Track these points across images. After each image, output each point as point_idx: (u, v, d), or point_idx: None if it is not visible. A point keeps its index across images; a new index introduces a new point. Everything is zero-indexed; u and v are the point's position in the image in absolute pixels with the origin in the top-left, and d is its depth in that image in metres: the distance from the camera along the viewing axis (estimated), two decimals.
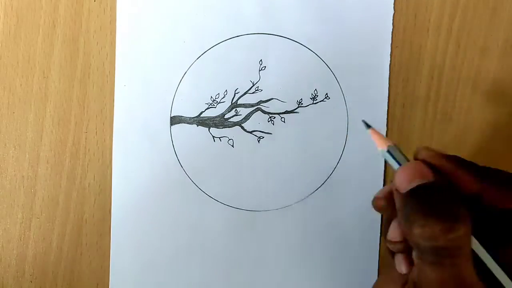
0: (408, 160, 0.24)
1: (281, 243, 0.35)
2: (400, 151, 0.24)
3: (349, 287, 0.35)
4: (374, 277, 0.35)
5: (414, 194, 0.22)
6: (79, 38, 0.34)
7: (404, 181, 0.22)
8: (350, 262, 0.35)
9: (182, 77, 0.34)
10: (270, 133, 0.35)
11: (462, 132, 0.36)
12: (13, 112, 0.34)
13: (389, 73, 0.35)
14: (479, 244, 0.22)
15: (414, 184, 0.22)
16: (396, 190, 0.23)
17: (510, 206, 0.22)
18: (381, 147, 0.24)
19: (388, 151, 0.24)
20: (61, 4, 0.34)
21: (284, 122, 0.35)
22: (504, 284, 0.21)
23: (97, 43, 0.34)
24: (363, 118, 0.26)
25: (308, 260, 0.35)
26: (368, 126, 0.25)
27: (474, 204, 0.23)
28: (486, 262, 0.22)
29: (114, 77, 0.34)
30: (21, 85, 0.34)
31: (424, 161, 0.23)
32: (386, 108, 0.35)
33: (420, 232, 0.21)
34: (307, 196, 0.35)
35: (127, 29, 0.34)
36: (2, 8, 0.34)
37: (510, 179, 0.23)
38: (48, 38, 0.34)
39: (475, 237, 0.22)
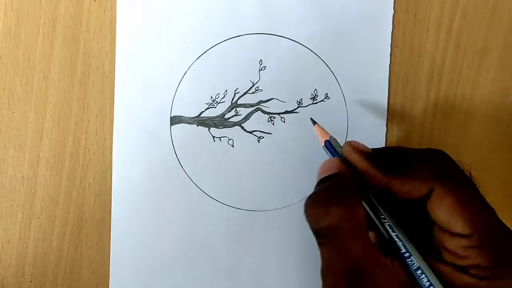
0: (339, 153, 0.27)
1: (281, 243, 0.35)
2: (337, 145, 0.28)
3: None
4: None
5: (315, 186, 0.26)
6: (79, 38, 0.34)
7: (318, 176, 0.26)
8: None
9: (182, 77, 0.34)
10: (270, 133, 0.35)
11: (462, 132, 0.36)
12: (13, 112, 0.34)
13: (389, 73, 0.35)
14: (385, 216, 0.25)
15: (320, 178, 0.26)
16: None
17: (412, 196, 0.25)
18: (321, 140, 0.29)
19: (326, 146, 0.28)
20: (61, 4, 0.34)
21: (284, 122, 0.35)
22: (406, 253, 0.24)
23: (97, 43, 0.34)
24: (311, 116, 0.32)
25: (308, 260, 0.35)
26: (314, 122, 0.30)
27: (387, 195, 0.25)
28: (392, 236, 0.25)
29: (114, 77, 0.34)
30: (21, 85, 0.34)
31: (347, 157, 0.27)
32: (386, 108, 0.35)
33: (308, 218, 0.24)
34: (307, 196, 0.35)
35: (127, 29, 0.34)
36: (2, 8, 0.34)
37: (414, 170, 0.25)
38: (48, 38, 0.34)
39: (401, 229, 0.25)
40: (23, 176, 0.34)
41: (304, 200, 0.25)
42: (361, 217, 0.24)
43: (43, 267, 0.35)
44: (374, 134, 0.35)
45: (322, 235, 0.24)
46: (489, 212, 0.24)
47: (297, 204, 0.35)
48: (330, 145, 0.28)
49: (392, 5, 0.35)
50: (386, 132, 0.35)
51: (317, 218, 0.24)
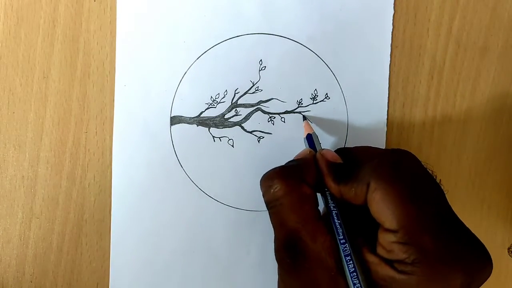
0: (314, 149, 0.31)
1: None
2: (311, 142, 0.32)
3: None
4: None
5: None
6: (79, 38, 0.34)
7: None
8: None
9: (182, 77, 0.34)
10: (270, 133, 0.35)
11: (462, 132, 0.36)
12: (13, 112, 0.34)
13: (389, 73, 0.35)
14: (331, 204, 0.28)
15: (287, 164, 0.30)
16: None
17: (361, 200, 0.26)
18: (304, 135, 0.32)
19: (306, 139, 0.32)
20: (61, 4, 0.34)
21: (284, 122, 0.35)
22: (337, 236, 0.27)
23: (97, 43, 0.34)
24: (312, 116, 0.35)
25: None
26: (304, 118, 0.34)
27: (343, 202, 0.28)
28: (331, 220, 0.27)
29: (114, 77, 0.34)
30: (21, 85, 0.34)
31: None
32: (386, 108, 0.35)
33: (261, 192, 0.29)
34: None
35: (127, 29, 0.34)
36: (2, 8, 0.34)
37: (357, 172, 0.27)
38: (48, 38, 0.34)
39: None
40: (23, 176, 0.34)
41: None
42: (304, 194, 0.27)
43: (43, 267, 0.35)
44: (374, 134, 0.35)
45: (268, 206, 0.28)
46: (420, 208, 0.25)
47: None
48: (310, 139, 0.32)
49: (392, 5, 0.35)
50: (386, 132, 0.35)
51: (265, 190, 0.28)
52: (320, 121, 0.35)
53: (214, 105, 0.35)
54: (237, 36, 0.35)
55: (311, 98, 0.35)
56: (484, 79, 0.36)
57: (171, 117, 0.35)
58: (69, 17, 0.34)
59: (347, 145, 0.35)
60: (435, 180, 0.27)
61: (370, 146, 0.30)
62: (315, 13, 0.35)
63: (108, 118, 0.34)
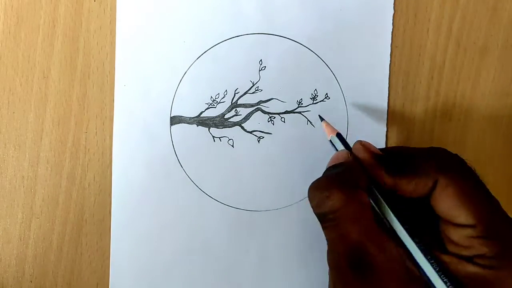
0: (347, 147, 0.29)
1: (281, 243, 0.35)
2: (342, 139, 0.29)
3: None
4: None
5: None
6: (79, 38, 0.34)
7: (327, 165, 0.28)
8: None
9: (182, 77, 0.34)
10: (270, 133, 0.35)
11: (462, 132, 0.36)
12: (13, 112, 0.34)
13: (389, 73, 0.35)
14: (387, 210, 0.26)
15: (327, 167, 0.28)
16: None
17: (419, 193, 0.25)
18: (329, 135, 0.30)
19: (334, 138, 0.30)
20: (61, 4, 0.34)
21: (284, 122, 0.35)
22: (405, 243, 0.25)
23: (97, 43, 0.34)
24: (312, 116, 0.34)
25: (308, 260, 0.35)
26: (322, 119, 0.32)
27: (395, 195, 0.26)
28: (392, 225, 0.26)
29: (114, 77, 0.34)
30: (21, 85, 0.34)
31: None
32: (386, 108, 0.35)
33: (311, 203, 0.26)
34: (307, 196, 0.35)
35: (127, 29, 0.34)
36: (2, 8, 0.34)
37: (418, 167, 0.26)
38: (48, 38, 0.34)
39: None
40: (23, 176, 0.34)
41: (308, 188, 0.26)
42: (363, 202, 0.25)
43: (43, 267, 0.35)
44: (374, 134, 0.35)
45: (324, 219, 0.25)
46: (493, 202, 0.25)
47: (297, 204, 0.35)
48: (340, 139, 0.29)
49: (392, 5, 0.35)
50: (386, 132, 0.35)
51: (319, 202, 0.25)
52: (320, 121, 0.35)
53: (214, 105, 0.35)
54: (237, 36, 0.35)
55: (311, 98, 0.35)
56: (484, 79, 0.36)
57: (171, 117, 0.35)
58: (69, 17, 0.34)
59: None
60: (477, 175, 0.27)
61: (406, 146, 0.29)
62: (315, 13, 0.35)
63: (108, 118, 0.34)
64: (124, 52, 0.34)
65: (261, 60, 0.35)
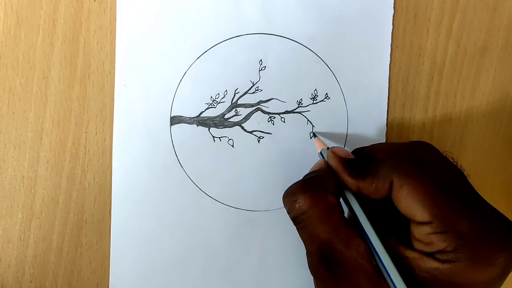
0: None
1: (281, 243, 0.35)
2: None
3: None
4: None
5: None
6: (79, 38, 0.34)
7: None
8: None
9: (182, 77, 0.34)
10: (270, 133, 0.35)
11: (462, 132, 0.36)
12: (13, 112, 0.34)
13: (389, 73, 0.35)
14: (356, 208, 0.27)
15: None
16: None
17: (381, 194, 0.26)
18: (318, 150, 0.32)
19: (321, 153, 0.31)
20: (61, 4, 0.34)
21: (284, 122, 0.35)
22: (368, 239, 0.26)
23: (97, 43, 0.34)
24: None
25: None
26: (315, 135, 0.35)
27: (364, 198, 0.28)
28: (360, 223, 0.27)
29: (114, 77, 0.34)
30: (21, 85, 0.34)
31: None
32: (386, 108, 0.35)
33: (285, 208, 0.28)
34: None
35: (127, 29, 0.34)
36: (2, 8, 0.34)
37: (376, 168, 0.27)
38: (48, 38, 0.34)
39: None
40: (23, 176, 0.34)
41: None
42: (330, 203, 0.27)
43: (43, 267, 0.35)
44: (374, 134, 0.35)
45: (296, 222, 0.28)
46: (452, 196, 0.25)
47: None
48: (326, 153, 0.31)
49: (392, 5, 0.35)
50: (386, 132, 0.35)
51: (290, 206, 0.28)
52: (320, 121, 0.35)
53: (214, 105, 0.35)
54: (237, 36, 0.35)
55: (311, 98, 0.35)
56: (484, 79, 0.36)
57: (171, 117, 0.35)
58: (69, 17, 0.34)
59: (347, 145, 0.35)
60: (456, 166, 0.27)
61: (385, 142, 0.31)
62: (315, 13, 0.35)
63: (108, 118, 0.34)
64: (124, 52, 0.34)
65: (261, 60, 0.35)
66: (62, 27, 0.34)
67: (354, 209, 0.27)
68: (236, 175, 0.35)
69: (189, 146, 0.35)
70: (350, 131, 0.35)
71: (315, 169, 0.30)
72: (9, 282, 0.35)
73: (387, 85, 0.35)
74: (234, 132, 0.35)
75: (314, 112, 0.35)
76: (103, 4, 0.34)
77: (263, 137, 0.35)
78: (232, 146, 0.35)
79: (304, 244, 0.27)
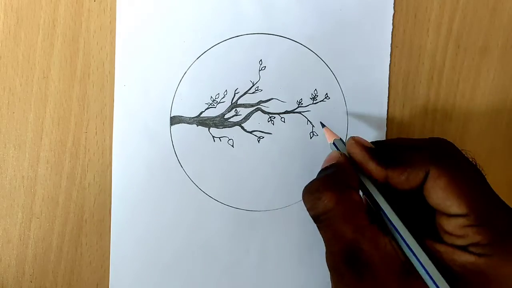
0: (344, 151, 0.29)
1: (281, 243, 0.35)
2: (343, 143, 0.30)
3: None
4: None
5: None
6: (79, 38, 0.34)
7: (321, 167, 0.29)
8: None
9: (182, 77, 0.34)
10: (270, 133, 0.35)
11: (462, 132, 0.36)
12: (13, 112, 0.34)
13: (389, 73, 0.35)
14: (383, 203, 0.26)
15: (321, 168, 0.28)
16: None
17: (411, 185, 0.26)
18: (329, 140, 0.31)
19: (334, 143, 0.30)
20: (61, 4, 0.34)
21: (284, 122, 0.35)
22: (397, 236, 0.25)
23: (97, 43, 0.34)
24: (322, 120, 0.34)
25: (308, 260, 0.35)
26: (323, 125, 0.33)
27: (390, 188, 0.27)
28: (385, 220, 0.26)
29: (114, 77, 0.34)
30: (21, 85, 0.34)
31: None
32: (386, 108, 0.35)
33: (305, 205, 0.27)
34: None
35: (127, 29, 0.34)
36: (2, 8, 0.34)
37: (409, 158, 0.26)
38: (48, 38, 0.34)
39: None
40: (23, 176, 0.34)
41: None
42: (355, 201, 0.25)
43: (43, 267, 0.35)
44: (374, 134, 0.35)
45: (318, 220, 0.26)
46: (486, 190, 0.25)
47: (297, 204, 0.35)
48: (339, 143, 0.30)
49: (392, 5, 0.35)
50: (386, 132, 0.35)
51: (312, 204, 0.26)
52: (320, 121, 0.35)
53: (214, 105, 0.35)
54: (237, 36, 0.35)
55: (311, 98, 0.35)
56: (484, 79, 0.36)
57: (171, 117, 0.35)
58: (69, 17, 0.34)
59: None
60: (476, 165, 0.27)
61: (402, 137, 0.30)
62: (315, 13, 0.35)
63: (108, 118, 0.34)
64: (124, 52, 0.34)
65: (261, 60, 0.35)
66: (62, 27, 0.34)
67: (381, 205, 0.26)
68: (236, 175, 0.35)
69: (189, 146, 0.35)
70: (350, 131, 0.35)
71: (331, 163, 0.28)
72: (9, 282, 0.35)
73: (387, 85, 0.35)
74: (234, 132, 0.35)
75: (314, 112, 0.35)
76: (103, 4, 0.34)
77: (263, 137, 0.35)
78: (232, 146, 0.35)
79: (326, 243, 0.26)
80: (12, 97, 0.34)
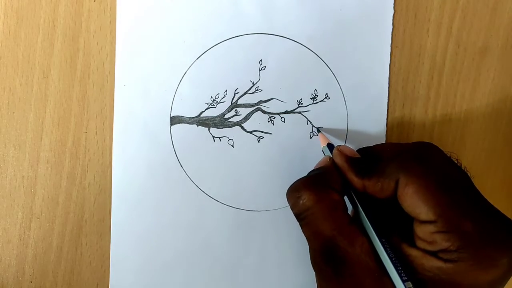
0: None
1: (281, 243, 0.35)
2: (331, 149, 0.31)
3: None
4: None
5: None
6: (79, 38, 0.34)
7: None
8: None
9: (182, 77, 0.34)
10: (270, 133, 0.35)
11: (462, 132, 0.36)
12: (13, 112, 0.34)
13: (389, 73, 0.35)
14: (358, 207, 0.28)
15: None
16: None
17: (387, 194, 0.27)
18: (322, 145, 0.33)
19: (327, 147, 0.32)
20: (61, 4, 0.34)
21: (284, 122, 0.35)
22: (370, 237, 0.26)
23: (97, 43, 0.34)
24: (321, 126, 0.35)
25: (308, 260, 0.35)
26: (318, 131, 0.35)
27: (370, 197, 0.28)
28: (362, 221, 0.27)
29: (114, 77, 0.34)
30: (21, 85, 0.34)
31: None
32: (386, 108, 0.35)
33: (289, 203, 0.28)
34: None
35: (127, 29, 0.34)
36: (2, 8, 0.34)
37: (382, 167, 0.27)
38: (48, 38, 0.34)
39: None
40: (23, 176, 0.34)
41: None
42: (334, 201, 0.27)
43: (43, 267, 0.35)
44: (374, 134, 0.35)
45: (299, 218, 0.28)
46: (456, 196, 0.25)
47: None
48: (331, 148, 0.31)
49: (392, 5, 0.35)
50: (386, 132, 0.35)
51: (294, 202, 0.28)
52: (320, 121, 0.35)
53: (214, 105, 0.35)
54: (237, 36, 0.35)
55: (311, 98, 0.35)
56: (484, 79, 0.36)
57: (171, 117, 0.35)
58: (69, 17, 0.34)
59: (347, 145, 0.35)
60: (460, 167, 0.27)
61: (389, 142, 0.31)
62: (315, 13, 0.35)
63: (108, 118, 0.34)
64: (124, 52, 0.34)
65: (261, 60, 0.35)
66: (62, 27, 0.34)
67: (358, 207, 0.27)
68: (236, 175, 0.35)
69: (189, 146, 0.35)
70: (350, 131, 0.35)
71: (320, 166, 0.30)
72: (9, 282, 0.35)
73: (387, 85, 0.35)
74: (234, 132, 0.35)
75: (314, 112, 0.35)
76: (103, 4, 0.34)
77: (263, 137, 0.35)
78: (232, 146, 0.35)
79: (307, 240, 0.27)
80: (12, 97, 0.34)
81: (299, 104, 0.35)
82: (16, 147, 0.34)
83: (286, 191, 0.28)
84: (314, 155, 0.35)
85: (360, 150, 0.31)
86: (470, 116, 0.36)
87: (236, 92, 0.35)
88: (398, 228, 0.27)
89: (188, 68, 0.34)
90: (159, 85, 0.34)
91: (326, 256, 0.26)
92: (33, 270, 0.35)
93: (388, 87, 0.35)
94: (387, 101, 0.35)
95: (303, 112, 0.35)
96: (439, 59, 0.36)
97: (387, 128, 0.35)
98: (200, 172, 0.35)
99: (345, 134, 0.35)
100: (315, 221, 0.26)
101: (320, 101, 0.35)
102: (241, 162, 0.35)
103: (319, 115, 0.35)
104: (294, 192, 0.28)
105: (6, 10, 0.34)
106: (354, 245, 0.26)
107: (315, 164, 0.30)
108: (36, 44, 0.34)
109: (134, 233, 0.34)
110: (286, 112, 0.35)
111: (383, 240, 0.26)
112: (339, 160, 0.29)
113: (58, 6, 0.34)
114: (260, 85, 0.35)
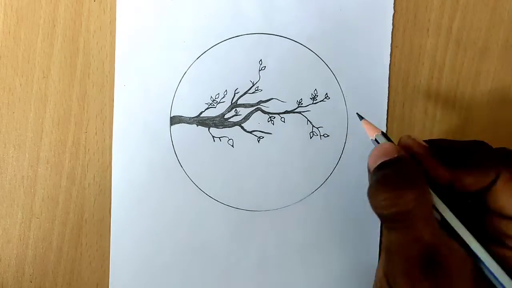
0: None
1: (281, 243, 0.35)
2: (387, 138, 0.26)
3: (349, 286, 0.35)
4: (374, 276, 0.35)
5: (376, 171, 0.25)
6: (79, 38, 0.34)
7: (371, 162, 0.25)
8: (350, 262, 0.35)
9: (182, 77, 0.34)
10: (270, 133, 0.35)
11: (462, 133, 0.36)
12: (13, 112, 0.34)
13: (389, 73, 0.35)
14: (443, 206, 0.24)
15: (378, 162, 0.25)
16: (369, 171, 0.26)
17: (476, 187, 0.24)
18: (371, 136, 0.27)
19: (376, 139, 0.27)
20: (61, 4, 0.34)
21: (284, 122, 0.35)
22: (468, 242, 0.24)
23: (97, 43, 0.34)
24: (358, 111, 0.30)
25: (308, 260, 0.35)
26: (361, 117, 0.29)
27: (450, 190, 0.25)
28: (451, 223, 0.24)
29: (114, 77, 0.34)
30: (21, 85, 0.34)
31: (405, 149, 0.26)
32: (386, 108, 0.35)
33: (377, 204, 0.23)
34: (307, 196, 0.35)
35: (127, 29, 0.34)
36: (2, 8, 0.34)
37: (479, 159, 0.25)
38: (48, 38, 0.34)
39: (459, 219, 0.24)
40: (23, 176, 0.34)
41: (367, 190, 0.24)
42: (431, 202, 0.24)
43: (43, 267, 0.35)
44: None
45: (395, 221, 0.23)
46: None
47: (297, 204, 0.35)
48: (386, 138, 0.27)
49: (392, 5, 0.35)
50: (386, 132, 0.35)
51: (390, 202, 0.23)
52: (320, 121, 0.35)
53: (214, 105, 0.35)
54: (237, 36, 0.35)
55: (311, 98, 0.35)
56: (484, 79, 0.36)
57: (171, 117, 0.35)
58: (69, 17, 0.34)
59: (347, 145, 0.35)
60: None
61: (444, 139, 0.28)
62: (315, 13, 0.35)
63: (108, 118, 0.34)
64: (124, 52, 0.34)
65: (261, 60, 0.35)
66: (62, 27, 0.34)
67: (445, 208, 0.24)
68: (236, 175, 0.35)
69: (189, 146, 0.35)
70: (350, 131, 0.35)
71: (392, 157, 0.25)
72: (9, 282, 0.35)
73: (387, 85, 0.35)
74: (234, 132, 0.35)
75: (314, 112, 0.35)
76: (103, 4, 0.34)
77: (263, 137, 0.35)
78: (232, 146, 0.35)
79: (398, 247, 0.23)
80: (12, 97, 0.34)
81: (299, 104, 0.35)
82: (16, 147, 0.34)
83: (367, 190, 0.24)
84: (314, 155, 0.35)
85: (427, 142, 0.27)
86: (470, 116, 0.36)
87: (236, 92, 0.35)
88: (474, 228, 0.25)
89: (188, 68, 0.34)
90: (159, 85, 0.34)
91: (425, 264, 0.23)
92: (33, 270, 0.35)
93: (388, 87, 0.35)
94: (387, 101, 0.35)
95: (303, 112, 0.35)
96: (439, 59, 0.36)
97: (387, 128, 0.35)
98: (200, 172, 0.35)
99: (345, 134, 0.35)
100: (416, 225, 0.23)
101: (320, 101, 0.35)
102: (241, 162, 0.35)
103: (319, 115, 0.35)
104: (391, 190, 0.23)
105: (6, 10, 0.34)
106: (452, 252, 0.23)
107: (372, 154, 0.25)
108: (36, 44, 0.34)
109: (134, 233, 0.34)
110: (286, 112, 0.35)
111: (485, 247, 0.23)
112: (420, 151, 0.25)
113: (58, 6, 0.34)
114: (260, 85, 0.35)
